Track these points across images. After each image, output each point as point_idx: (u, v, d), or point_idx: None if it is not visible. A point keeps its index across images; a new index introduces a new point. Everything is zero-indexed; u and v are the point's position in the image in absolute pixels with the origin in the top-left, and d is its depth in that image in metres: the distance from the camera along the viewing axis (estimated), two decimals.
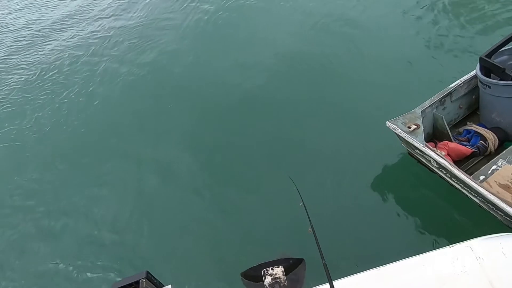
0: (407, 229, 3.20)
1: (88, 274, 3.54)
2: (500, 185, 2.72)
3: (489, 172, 2.90)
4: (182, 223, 3.72)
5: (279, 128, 4.40)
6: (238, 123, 4.58)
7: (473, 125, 3.49)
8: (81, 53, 6.69)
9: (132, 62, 6.12)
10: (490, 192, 2.63)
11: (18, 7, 9.26)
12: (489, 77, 3.24)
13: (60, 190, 4.39)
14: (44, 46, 7.28)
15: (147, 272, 1.96)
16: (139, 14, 7.38)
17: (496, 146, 3.29)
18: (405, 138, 3.17)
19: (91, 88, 5.80)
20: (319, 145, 4.07)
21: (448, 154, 3.20)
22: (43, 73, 6.49)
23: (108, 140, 4.84)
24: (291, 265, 2.21)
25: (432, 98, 3.41)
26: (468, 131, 3.45)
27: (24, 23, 8.37)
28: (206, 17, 6.61)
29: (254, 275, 2.18)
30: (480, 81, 3.29)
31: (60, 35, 7.47)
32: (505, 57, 3.34)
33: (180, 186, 4.07)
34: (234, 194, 3.84)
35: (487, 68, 3.21)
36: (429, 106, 3.37)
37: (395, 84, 4.47)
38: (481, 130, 3.35)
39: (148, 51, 6.26)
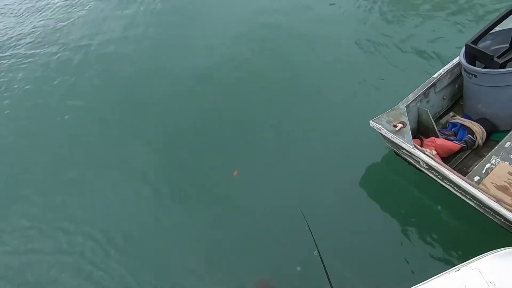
0: (405, 246, 2.90)
1: None
2: (498, 187, 2.49)
3: (483, 171, 2.66)
4: (168, 248, 3.35)
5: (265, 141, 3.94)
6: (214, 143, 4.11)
7: (459, 117, 3.26)
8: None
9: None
10: (489, 197, 2.40)
11: None
12: (473, 65, 2.98)
13: None
14: None
15: None
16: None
17: (484, 139, 3.08)
18: (391, 139, 2.87)
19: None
20: (306, 162, 3.65)
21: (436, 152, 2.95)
22: None
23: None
24: None
25: (415, 91, 3.11)
26: (454, 124, 3.21)
27: None
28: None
29: None
30: (465, 70, 3.03)
31: None
32: (488, 42, 3.10)
33: (173, 212, 3.61)
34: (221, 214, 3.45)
35: (472, 56, 2.95)
36: (413, 100, 3.07)
37: (373, 82, 4.16)
38: (467, 122, 3.12)
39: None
